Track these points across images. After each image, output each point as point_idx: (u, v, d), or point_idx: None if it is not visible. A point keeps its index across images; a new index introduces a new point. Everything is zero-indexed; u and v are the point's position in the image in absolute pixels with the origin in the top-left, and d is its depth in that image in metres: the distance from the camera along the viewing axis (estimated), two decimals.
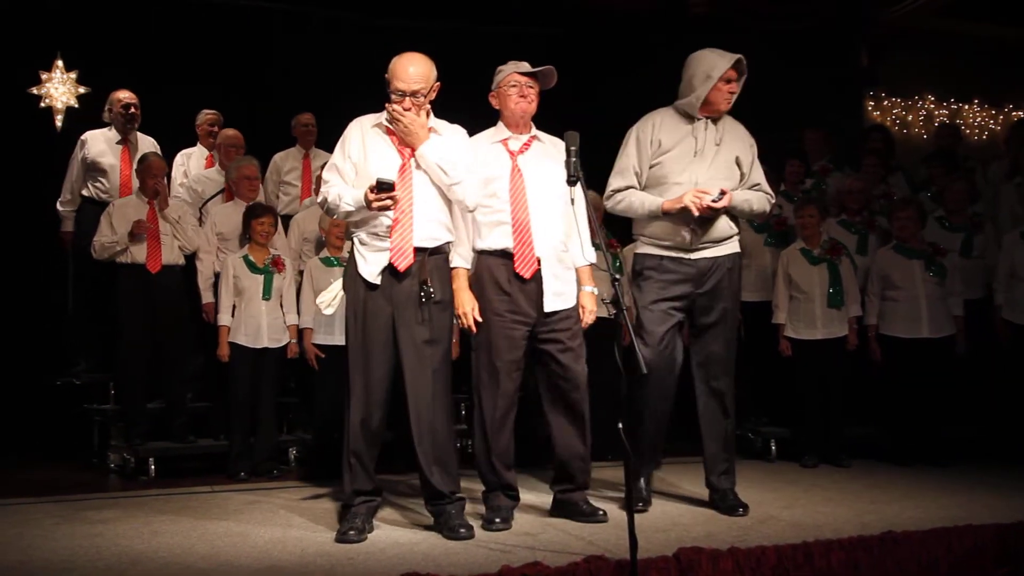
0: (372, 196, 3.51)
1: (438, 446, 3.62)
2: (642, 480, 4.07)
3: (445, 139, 3.71)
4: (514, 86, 3.87)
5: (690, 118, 4.01)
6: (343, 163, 3.70)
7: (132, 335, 5.30)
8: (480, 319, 3.79)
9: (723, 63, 3.93)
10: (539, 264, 3.80)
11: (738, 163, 4.02)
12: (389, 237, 3.59)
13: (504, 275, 3.80)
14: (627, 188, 4.05)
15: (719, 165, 3.97)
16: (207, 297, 5.44)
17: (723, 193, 3.84)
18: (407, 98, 3.61)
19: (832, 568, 3.16)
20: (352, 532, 3.51)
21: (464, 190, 3.65)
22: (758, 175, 4.11)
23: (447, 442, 3.68)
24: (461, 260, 3.88)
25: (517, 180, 3.84)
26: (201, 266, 5.52)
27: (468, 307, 3.78)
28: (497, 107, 3.96)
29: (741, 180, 4.04)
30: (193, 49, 6.63)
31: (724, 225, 3.98)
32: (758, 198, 4.07)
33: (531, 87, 3.87)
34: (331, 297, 3.78)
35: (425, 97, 3.65)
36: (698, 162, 3.96)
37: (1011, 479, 4.67)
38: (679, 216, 3.92)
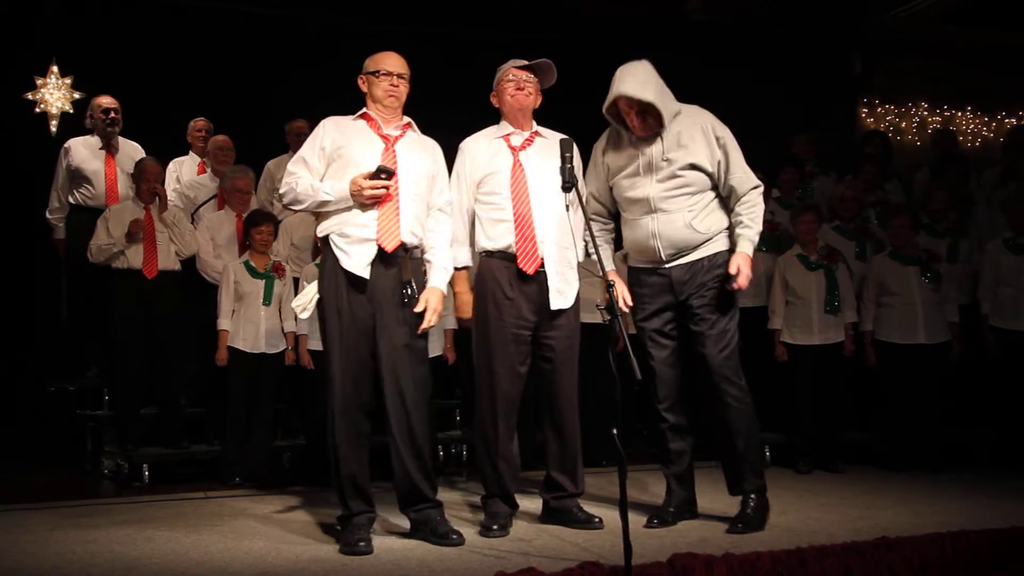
0: (367, 183, 3.47)
1: (421, 450, 3.59)
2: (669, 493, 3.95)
3: (436, 168, 3.72)
4: (511, 80, 3.85)
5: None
6: (312, 156, 3.64)
7: (128, 341, 5.30)
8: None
9: (609, 98, 3.74)
10: (542, 262, 3.77)
11: (697, 169, 3.75)
12: (376, 227, 3.52)
13: (507, 277, 3.77)
14: (593, 216, 3.96)
15: (671, 178, 3.75)
16: None
17: (734, 275, 3.67)
18: (395, 77, 3.63)
19: (826, 573, 3.15)
20: (362, 544, 3.44)
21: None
22: (736, 176, 3.77)
23: (428, 446, 3.66)
24: (463, 260, 3.87)
25: (519, 175, 3.81)
26: (205, 266, 5.54)
27: (469, 314, 3.75)
28: (497, 106, 3.94)
29: (720, 182, 3.79)
30: (188, 55, 6.62)
31: (689, 234, 3.77)
32: (752, 216, 3.77)
33: (528, 81, 3.85)
34: (307, 300, 3.66)
35: (407, 86, 3.68)
36: (647, 179, 3.78)
37: (1005, 485, 4.68)
38: (642, 230, 3.81)
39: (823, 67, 8.12)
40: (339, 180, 3.56)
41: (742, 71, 7.33)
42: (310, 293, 3.66)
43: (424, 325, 3.58)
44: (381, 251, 3.54)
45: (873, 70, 8.55)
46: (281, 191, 3.73)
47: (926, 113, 8.87)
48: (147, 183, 5.44)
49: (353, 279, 3.54)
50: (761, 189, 3.86)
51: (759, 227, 3.82)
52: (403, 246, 3.57)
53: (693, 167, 3.75)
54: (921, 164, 7.19)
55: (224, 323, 5.17)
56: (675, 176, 3.75)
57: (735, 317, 3.89)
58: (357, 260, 3.54)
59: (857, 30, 8.31)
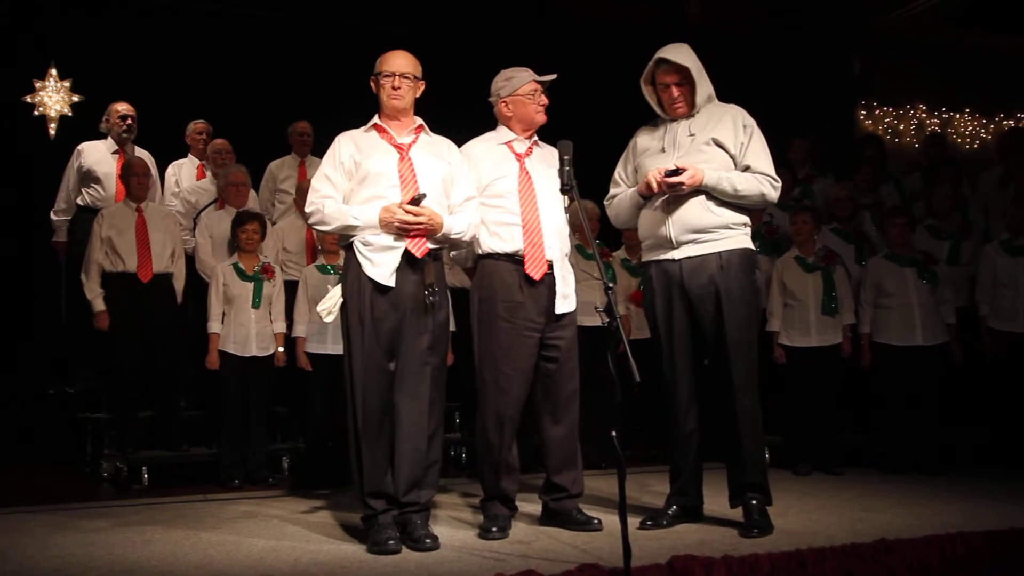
0: (404, 209, 3.46)
1: (421, 459, 3.57)
2: (672, 495, 3.92)
3: (452, 169, 3.71)
4: (532, 96, 3.88)
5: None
6: (333, 172, 3.64)
7: (124, 343, 5.29)
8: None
9: (650, 67, 3.87)
10: (549, 267, 3.78)
11: (719, 145, 3.76)
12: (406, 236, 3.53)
13: (515, 280, 3.77)
14: (615, 194, 4.03)
15: (692, 152, 3.76)
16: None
17: (680, 170, 3.64)
18: (397, 77, 3.62)
19: None
20: (392, 542, 3.44)
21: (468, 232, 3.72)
22: (753, 157, 3.75)
23: (435, 454, 3.64)
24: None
25: (526, 182, 3.83)
26: (204, 267, 5.58)
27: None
28: (508, 113, 3.92)
29: (738, 163, 3.77)
30: (188, 58, 6.63)
31: (703, 213, 3.72)
32: (744, 178, 3.71)
33: (544, 96, 3.91)
34: (332, 304, 3.68)
35: (415, 82, 3.67)
36: (668, 156, 3.80)
37: (1004, 486, 4.68)
38: (657, 208, 3.80)
39: (822, 69, 8.13)
40: (360, 194, 3.57)
41: (741, 73, 7.33)
42: (334, 297, 3.66)
43: (409, 218, 3.49)
44: (406, 258, 3.53)
45: (872, 72, 8.56)
46: (307, 210, 3.70)
47: (924, 115, 8.88)
48: (136, 176, 5.45)
49: (378, 286, 3.53)
50: (775, 185, 3.77)
51: (739, 186, 3.70)
52: (428, 251, 3.58)
53: (715, 143, 3.76)
54: (916, 168, 7.20)
55: (215, 326, 5.15)
56: (697, 152, 3.76)
57: (755, 328, 3.84)
58: (382, 268, 3.53)
59: (856, 32, 8.33)
